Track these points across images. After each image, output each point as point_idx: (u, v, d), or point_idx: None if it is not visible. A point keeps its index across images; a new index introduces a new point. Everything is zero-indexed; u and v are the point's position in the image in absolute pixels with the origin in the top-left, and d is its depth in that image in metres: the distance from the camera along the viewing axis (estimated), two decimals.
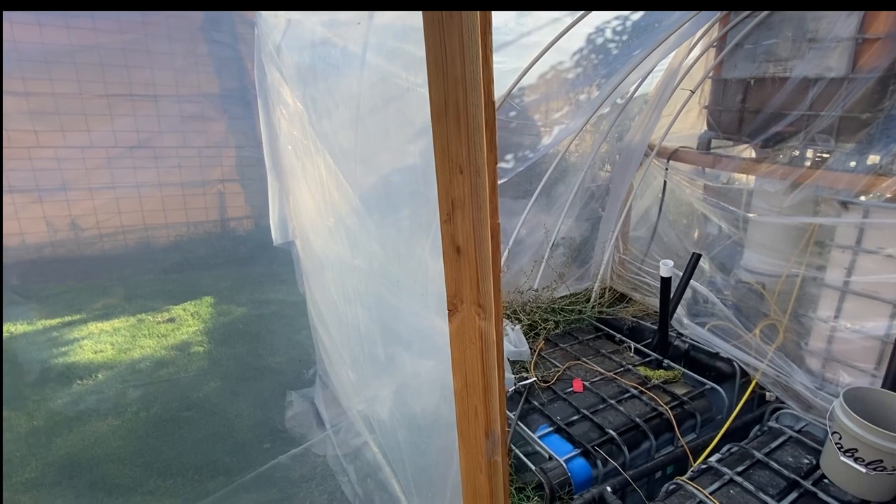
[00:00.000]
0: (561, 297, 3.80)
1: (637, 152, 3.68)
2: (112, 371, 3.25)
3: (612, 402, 2.79)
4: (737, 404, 2.90)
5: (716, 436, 2.75)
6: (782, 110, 2.89)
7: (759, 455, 2.32)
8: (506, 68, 2.88)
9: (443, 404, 1.80)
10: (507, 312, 3.46)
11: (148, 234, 5.75)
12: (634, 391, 2.90)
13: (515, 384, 2.90)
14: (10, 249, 5.07)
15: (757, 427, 2.66)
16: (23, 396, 2.96)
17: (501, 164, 3.39)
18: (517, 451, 2.52)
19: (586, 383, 2.98)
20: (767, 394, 3.01)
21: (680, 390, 2.92)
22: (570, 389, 2.93)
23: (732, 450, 2.42)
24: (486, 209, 0.92)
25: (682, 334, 3.40)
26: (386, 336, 2.20)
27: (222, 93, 5.80)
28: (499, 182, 3.88)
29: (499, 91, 2.98)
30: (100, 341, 3.62)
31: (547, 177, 3.52)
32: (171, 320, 4.12)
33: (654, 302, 3.74)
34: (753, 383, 2.99)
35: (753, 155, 3.19)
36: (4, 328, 3.76)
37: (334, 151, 2.33)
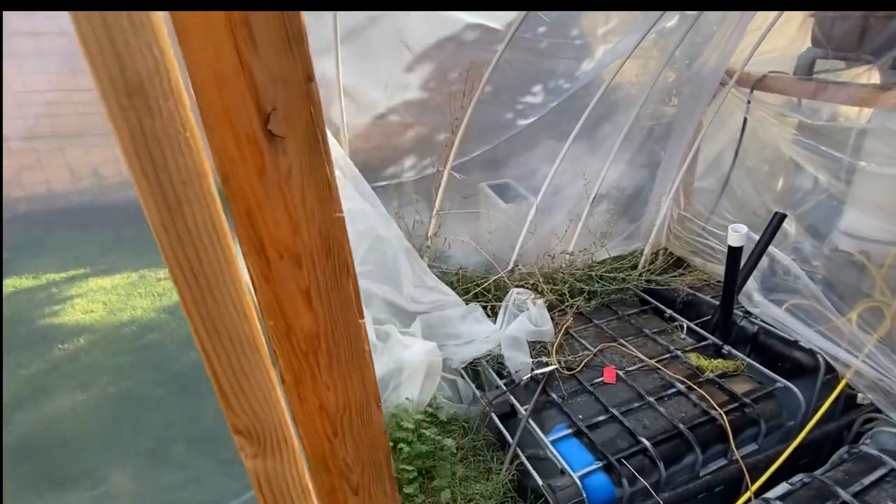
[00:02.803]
0: (601, 262, 3.18)
1: (710, 80, 2.87)
2: (96, 335, 3.09)
3: (651, 399, 2.26)
4: (817, 409, 2.28)
5: (783, 450, 2.18)
6: None
7: (844, 495, 1.74)
8: None
9: None
10: (530, 283, 2.91)
11: None
12: (681, 386, 2.34)
13: (533, 370, 2.43)
14: (38, 198, 5.04)
15: (844, 448, 2.04)
16: None
17: (527, 98, 2.71)
18: (523, 456, 2.08)
19: (620, 373, 2.44)
20: (860, 396, 2.37)
21: (741, 387, 2.33)
22: (600, 380, 2.41)
23: (806, 481, 1.85)
24: None
25: (749, 313, 2.73)
26: None
27: None
28: (525, 122, 3.14)
29: None
30: (93, 300, 3.47)
31: (587, 114, 2.80)
32: None
33: (718, 269, 3.06)
34: (843, 384, 2.34)
35: (877, 80, 2.33)
36: (11, 283, 3.70)
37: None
